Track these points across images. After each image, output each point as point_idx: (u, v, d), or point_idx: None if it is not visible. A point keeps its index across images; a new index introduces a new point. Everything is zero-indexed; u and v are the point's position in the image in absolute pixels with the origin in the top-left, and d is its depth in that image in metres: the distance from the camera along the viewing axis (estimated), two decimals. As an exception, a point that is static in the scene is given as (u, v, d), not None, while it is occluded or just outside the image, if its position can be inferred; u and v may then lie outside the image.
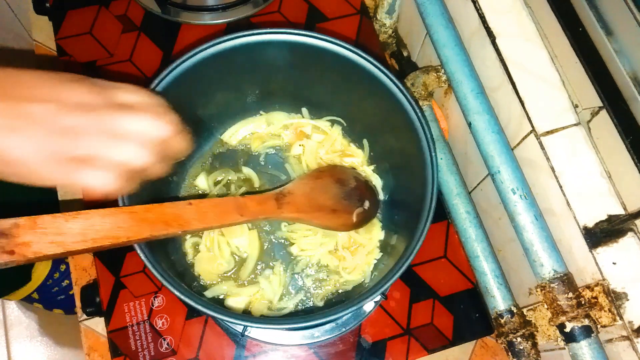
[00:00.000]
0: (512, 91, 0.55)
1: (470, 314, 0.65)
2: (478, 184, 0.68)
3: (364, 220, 0.63)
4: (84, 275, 0.68)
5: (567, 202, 0.51)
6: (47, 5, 0.77)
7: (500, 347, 0.63)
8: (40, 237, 0.38)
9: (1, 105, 0.33)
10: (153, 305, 0.63)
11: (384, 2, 0.77)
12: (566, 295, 0.51)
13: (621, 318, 0.49)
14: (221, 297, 0.62)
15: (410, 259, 0.49)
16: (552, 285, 0.52)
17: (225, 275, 0.63)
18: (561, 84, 0.54)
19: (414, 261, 0.52)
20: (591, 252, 0.50)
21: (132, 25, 0.77)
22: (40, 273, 1.01)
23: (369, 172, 0.68)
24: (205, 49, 0.54)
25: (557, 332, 0.52)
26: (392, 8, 0.78)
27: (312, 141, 0.69)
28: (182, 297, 0.47)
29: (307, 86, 0.65)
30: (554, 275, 0.52)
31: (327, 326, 0.63)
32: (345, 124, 0.69)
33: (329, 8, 0.79)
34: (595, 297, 0.50)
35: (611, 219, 0.50)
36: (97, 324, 0.66)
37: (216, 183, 0.67)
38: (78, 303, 0.65)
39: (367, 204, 0.63)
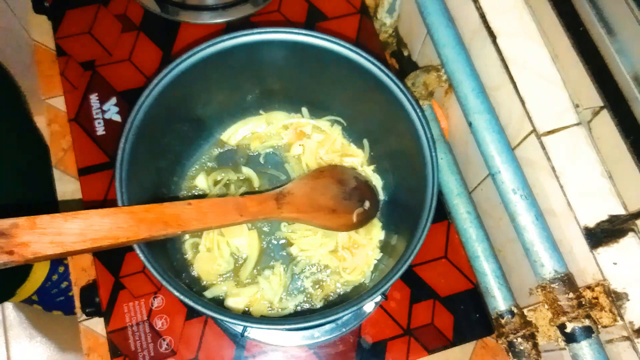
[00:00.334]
0: (513, 91, 0.55)
1: (471, 315, 0.65)
2: (478, 184, 0.68)
3: (364, 220, 0.63)
4: (84, 275, 0.68)
5: (568, 202, 0.51)
6: (46, 4, 0.77)
7: (501, 348, 0.63)
8: (39, 237, 0.38)
9: None
10: (153, 306, 0.63)
11: (384, 1, 0.77)
12: (567, 295, 0.51)
13: (622, 318, 0.48)
14: (221, 297, 0.62)
15: (411, 260, 0.49)
16: (552, 285, 0.51)
17: (224, 275, 0.63)
18: (562, 83, 0.54)
19: (414, 261, 0.52)
20: (592, 252, 0.50)
21: (132, 24, 0.76)
22: (39, 275, 1.01)
23: (369, 172, 0.68)
24: (205, 48, 0.54)
25: (558, 332, 0.52)
26: (392, 7, 0.78)
27: (312, 141, 0.69)
28: (182, 297, 0.47)
29: (307, 86, 0.65)
30: (554, 275, 0.51)
31: (327, 327, 0.63)
32: (345, 124, 0.69)
33: (329, 7, 0.79)
34: (596, 298, 0.50)
35: (612, 219, 0.50)
36: (97, 325, 0.66)
37: (216, 183, 0.67)
38: (77, 303, 0.65)
39: (367, 204, 0.63)
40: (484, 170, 0.63)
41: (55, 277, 1.03)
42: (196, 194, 0.66)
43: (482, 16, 0.58)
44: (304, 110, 0.70)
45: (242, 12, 0.77)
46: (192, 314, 0.63)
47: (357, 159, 0.69)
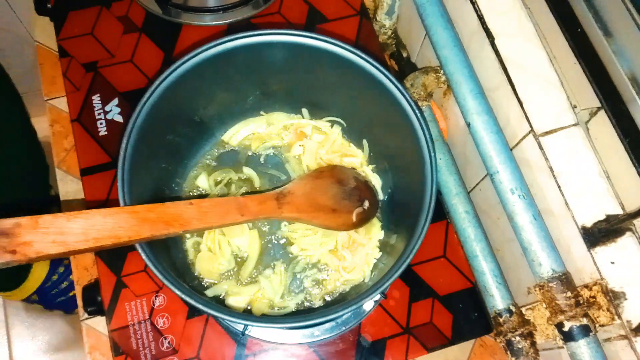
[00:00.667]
0: (511, 92, 0.55)
1: (469, 313, 0.66)
2: (477, 184, 0.68)
3: (364, 220, 0.63)
4: (86, 274, 0.69)
5: (566, 202, 0.51)
6: (49, 6, 0.77)
7: (499, 346, 0.64)
8: (41, 237, 0.38)
9: None
10: (154, 305, 0.64)
11: (383, 3, 0.78)
12: (565, 294, 0.51)
13: (619, 317, 0.49)
14: (222, 296, 0.62)
15: (410, 259, 0.49)
16: (550, 284, 0.52)
17: (226, 274, 0.63)
18: (560, 84, 0.54)
19: (413, 260, 0.52)
20: (589, 251, 0.50)
21: (133, 26, 0.77)
22: (38, 275, 1.01)
23: (368, 172, 0.69)
24: (206, 49, 0.55)
25: (556, 331, 0.52)
26: (391, 9, 0.78)
27: (312, 141, 0.69)
28: (183, 296, 0.47)
29: (307, 87, 0.65)
30: (552, 274, 0.52)
31: (327, 325, 0.63)
32: (345, 125, 0.70)
33: (329, 9, 0.79)
34: (594, 297, 0.50)
35: (609, 218, 0.50)
36: (99, 323, 0.66)
37: (217, 183, 0.67)
38: (79, 302, 0.65)
39: (366, 204, 0.63)
40: (483, 170, 0.63)
41: (55, 277, 1.04)
42: (197, 193, 0.67)
43: (481, 18, 0.58)
44: (304, 111, 0.70)
45: (243, 14, 0.78)
46: (193, 312, 0.64)
47: (356, 159, 0.69)
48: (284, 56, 0.59)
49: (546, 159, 0.53)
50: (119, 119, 0.71)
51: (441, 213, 0.70)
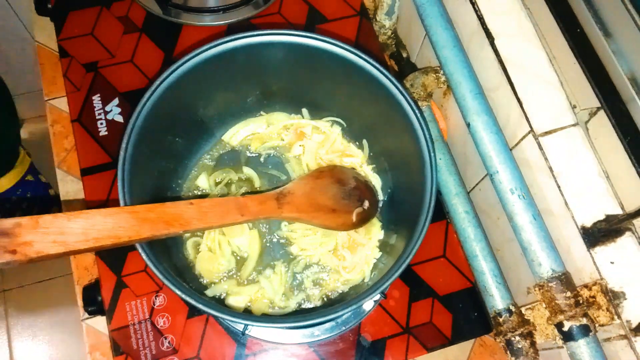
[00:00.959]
0: (511, 92, 0.55)
1: (469, 313, 0.66)
2: (477, 184, 0.68)
3: (364, 220, 0.64)
4: (86, 274, 0.69)
5: (565, 202, 0.51)
6: (49, 6, 0.77)
7: (499, 346, 0.64)
8: (42, 237, 0.38)
9: None
10: (154, 304, 0.64)
11: (383, 3, 0.78)
12: (564, 294, 0.51)
13: (619, 317, 0.49)
14: (222, 296, 0.62)
15: (410, 258, 0.49)
16: (550, 284, 0.52)
17: (226, 274, 0.64)
18: (559, 84, 0.54)
19: (413, 260, 0.53)
20: (589, 251, 0.50)
21: (134, 26, 0.77)
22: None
23: (368, 172, 0.69)
24: (206, 50, 0.55)
25: (556, 331, 0.52)
26: (391, 9, 0.78)
27: (312, 141, 0.69)
28: (184, 296, 0.47)
29: (307, 87, 0.65)
30: (552, 274, 0.52)
31: (327, 325, 0.63)
32: (345, 125, 0.70)
33: (329, 9, 0.79)
34: (593, 296, 0.50)
35: (609, 218, 0.50)
36: (99, 323, 0.66)
37: (217, 183, 0.67)
38: (80, 302, 0.65)
39: (366, 204, 0.63)
40: (482, 170, 0.64)
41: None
42: (198, 193, 0.67)
43: (480, 18, 0.58)
44: (304, 111, 0.70)
45: (243, 14, 0.78)
46: (193, 312, 0.64)
47: (356, 159, 0.69)
48: (284, 56, 0.59)
49: (546, 159, 0.53)
50: (119, 119, 0.72)
51: (441, 213, 0.70)
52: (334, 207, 0.61)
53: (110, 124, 0.71)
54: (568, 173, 0.52)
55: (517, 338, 0.60)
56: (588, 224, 0.51)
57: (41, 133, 1.50)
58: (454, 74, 0.60)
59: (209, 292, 0.62)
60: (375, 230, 0.66)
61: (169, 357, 0.62)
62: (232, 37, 0.55)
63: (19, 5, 1.11)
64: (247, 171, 0.68)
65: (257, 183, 0.68)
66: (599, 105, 0.51)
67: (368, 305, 0.65)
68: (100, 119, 0.71)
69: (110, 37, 0.76)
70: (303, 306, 0.63)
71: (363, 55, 0.55)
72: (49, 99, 0.78)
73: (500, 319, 0.61)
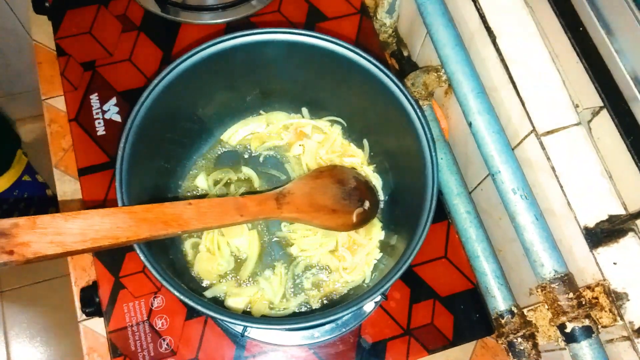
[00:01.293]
0: (513, 91, 0.55)
1: (471, 314, 0.65)
2: (478, 184, 0.68)
3: (364, 220, 0.63)
4: (84, 275, 0.68)
5: (568, 202, 0.51)
6: (47, 4, 0.77)
7: (501, 348, 0.63)
8: (39, 237, 0.38)
9: None
10: (153, 306, 0.63)
11: (384, 1, 0.77)
12: (567, 295, 0.51)
13: (622, 318, 0.49)
14: (221, 297, 0.62)
15: (411, 259, 0.49)
16: (552, 285, 0.51)
17: (225, 275, 0.63)
18: (562, 83, 0.54)
19: (414, 261, 0.52)
20: (592, 252, 0.50)
21: (132, 24, 0.76)
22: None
23: (369, 172, 0.68)
24: (205, 48, 0.54)
25: (558, 332, 0.52)
26: (392, 7, 0.78)
27: (312, 141, 0.69)
28: (182, 297, 0.47)
29: (307, 86, 0.65)
30: (554, 275, 0.51)
31: (327, 326, 0.63)
32: (345, 124, 0.69)
33: (329, 7, 0.79)
34: (596, 298, 0.50)
35: (612, 219, 0.50)
36: (97, 325, 0.66)
37: (216, 183, 0.67)
38: (77, 303, 0.65)
39: (367, 204, 0.63)
40: (484, 170, 0.63)
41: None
42: (196, 194, 0.66)
43: (482, 16, 0.58)
44: (304, 110, 0.70)
45: (242, 13, 0.77)
46: (192, 314, 0.63)
47: (357, 159, 0.69)
48: (284, 55, 0.58)
49: (548, 158, 0.52)
50: (117, 118, 0.71)
51: (442, 213, 0.69)
52: (334, 208, 0.61)
53: (108, 123, 0.71)
54: (570, 173, 0.51)
55: (519, 340, 0.59)
56: (591, 225, 0.50)
57: (38, 132, 1.49)
58: (456, 73, 0.60)
59: (208, 294, 0.61)
60: (375, 231, 0.66)
61: (168, 359, 0.61)
62: (231, 35, 0.55)
63: (16, 3, 1.10)
64: (247, 171, 0.68)
65: (257, 183, 0.67)
66: (601, 104, 0.51)
67: (368, 306, 0.64)
68: (98, 118, 0.71)
69: (108, 35, 0.75)
70: (303, 308, 0.63)
71: (363, 54, 0.55)
72: (47, 98, 0.77)
73: (502, 321, 0.61)
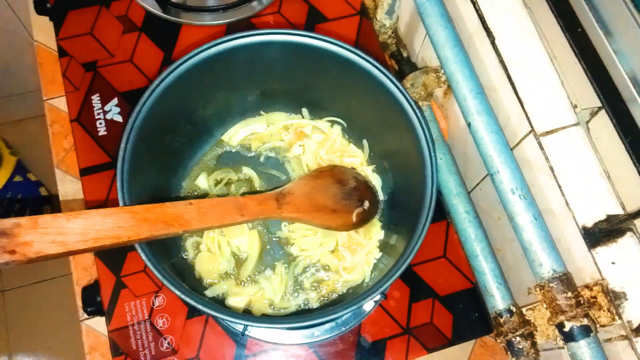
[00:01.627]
0: (512, 91, 0.55)
1: (470, 314, 0.65)
2: (477, 184, 0.68)
3: (364, 220, 0.63)
4: (85, 274, 0.69)
5: (566, 202, 0.51)
6: (48, 5, 0.77)
7: (500, 347, 0.64)
8: (41, 237, 0.38)
9: None
10: (154, 305, 0.63)
11: (383, 2, 0.78)
12: (565, 294, 0.51)
13: (620, 317, 0.49)
14: (221, 296, 0.62)
15: (410, 259, 0.49)
16: (551, 284, 0.52)
17: (225, 275, 0.63)
18: (560, 84, 0.54)
19: (413, 261, 0.52)
20: (590, 252, 0.50)
21: (133, 25, 0.77)
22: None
23: (368, 172, 0.69)
24: (206, 49, 0.54)
25: (556, 331, 0.52)
26: (391, 9, 0.78)
27: (312, 141, 0.69)
28: (183, 296, 0.47)
29: (307, 87, 0.65)
30: (553, 274, 0.52)
31: (327, 325, 0.63)
32: (345, 125, 0.69)
33: (329, 9, 0.79)
34: (594, 297, 0.50)
35: (610, 218, 0.50)
36: (98, 324, 0.66)
37: (217, 183, 0.67)
38: (79, 303, 0.65)
39: (366, 204, 0.63)
40: (483, 170, 0.63)
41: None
42: (197, 194, 0.67)
43: (481, 17, 0.58)
44: (304, 110, 0.70)
45: (242, 14, 0.78)
46: (193, 313, 0.64)
47: (356, 159, 0.69)
48: (284, 56, 0.58)
49: (547, 158, 0.53)
50: (119, 118, 0.71)
51: (441, 213, 0.69)
52: (334, 208, 0.61)
53: (110, 123, 0.71)
54: (569, 173, 0.52)
55: (518, 339, 0.59)
56: (589, 224, 0.50)
57: (40, 133, 1.50)
58: (455, 74, 0.60)
59: (209, 293, 0.62)
60: (375, 231, 0.66)
61: (169, 357, 0.61)
62: (232, 36, 0.55)
63: (18, 4, 1.11)
64: (247, 171, 0.68)
65: (257, 183, 0.68)
66: (600, 104, 0.51)
67: (368, 305, 0.64)
68: (100, 118, 0.71)
69: (109, 36, 0.76)
70: (303, 307, 0.63)
71: (363, 55, 0.55)
72: (48, 99, 0.78)
73: (501, 320, 0.61)
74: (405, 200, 0.62)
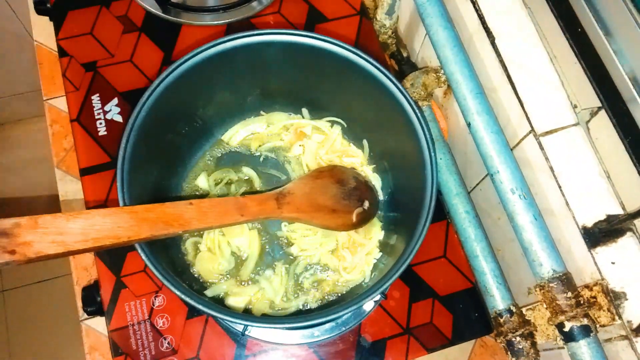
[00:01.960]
0: (512, 91, 0.55)
1: (470, 314, 0.66)
2: (477, 184, 0.68)
3: (364, 220, 0.63)
4: (85, 274, 0.69)
5: (566, 202, 0.51)
6: (48, 5, 0.77)
7: (500, 347, 0.64)
8: (41, 237, 0.38)
9: None
10: (154, 305, 0.63)
11: (383, 2, 0.78)
12: (565, 294, 0.51)
13: (620, 317, 0.49)
14: (221, 296, 0.62)
15: (410, 259, 0.49)
16: (551, 284, 0.52)
17: (225, 274, 0.63)
18: (560, 84, 0.54)
19: (413, 261, 0.52)
20: (590, 251, 0.50)
21: (133, 25, 0.77)
22: None
23: (368, 172, 0.69)
24: (206, 49, 0.54)
25: (556, 331, 0.52)
26: (391, 9, 0.78)
27: (312, 141, 0.69)
28: (183, 296, 0.47)
29: (307, 87, 0.65)
30: (553, 274, 0.52)
31: (327, 325, 0.63)
32: (345, 125, 0.70)
33: (329, 9, 0.79)
34: (594, 297, 0.50)
35: (610, 218, 0.50)
36: (98, 324, 0.66)
37: (217, 183, 0.67)
38: (79, 302, 0.65)
39: (366, 204, 0.63)
40: (483, 170, 0.63)
41: None
42: (197, 194, 0.67)
43: (481, 17, 0.58)
44: (304, 111, 0.70)
45: (242, 14, 0.78)
46: (193, 313, 0.64)
47: (356, 159, 0.69)
48: (284, 56, 0.58)
49: (547, 158, 0.53)
50: (119, 118, 0.71)
51: (441, 213, 0.69)
52: (334, 207, 0.61)
53: (110, 123, 0.71)
54: (569, 173, 0.52)
55: (518, 339, 0.59)
56: (589, 224, 0.50)
57: (40, 133, 1.50)
58: (455, 74, 0.60)
59: (209, 293, 0.62)
60: (375, 231, 0.66)
61: (169, 357, 0.62)
62: (232, 36, 0.55)
63: (17, 4, 1.11)
64: (247, 171, 0.68)
65: (257, 183, 0.68)
66: (599, 104, 0.51)
67: (368, 305, 0.64)
68: (100, 118, 0.71)
69: (109, 36, 0.76)
70: (303, 307, 0.63)
71: (363, 55, 0.55)
72: (48, 99, 0.78)
73: (501, 320, 0.61)
74: (405, 200, 0.62)
